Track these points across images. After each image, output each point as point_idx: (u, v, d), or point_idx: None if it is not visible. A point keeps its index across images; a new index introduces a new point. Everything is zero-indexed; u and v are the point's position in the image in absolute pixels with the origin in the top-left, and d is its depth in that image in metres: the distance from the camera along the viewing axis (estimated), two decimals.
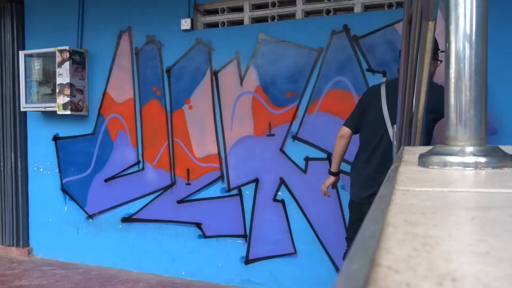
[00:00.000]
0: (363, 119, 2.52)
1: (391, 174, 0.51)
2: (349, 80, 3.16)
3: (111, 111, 3.95)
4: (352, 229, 2.67)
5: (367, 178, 2.49)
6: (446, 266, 0.20)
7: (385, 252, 0.22)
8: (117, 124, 3.93)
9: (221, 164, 3.56)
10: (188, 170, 3.67)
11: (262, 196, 3.44)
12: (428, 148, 0.57)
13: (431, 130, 2.35)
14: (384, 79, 2.52)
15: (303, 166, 3.31)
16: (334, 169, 2.71)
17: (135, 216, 3.90)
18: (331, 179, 2.76)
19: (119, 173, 3.94)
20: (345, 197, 3.21)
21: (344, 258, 2.71)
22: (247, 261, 3.50)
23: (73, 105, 3.85)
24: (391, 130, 2.21)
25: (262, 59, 3.40)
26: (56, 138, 4.21)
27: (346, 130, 2.59)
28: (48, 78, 4.06)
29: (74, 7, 4.05)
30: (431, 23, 1.06)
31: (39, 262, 4.17)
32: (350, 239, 2.67)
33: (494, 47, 2.63)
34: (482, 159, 0.48)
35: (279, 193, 3.39)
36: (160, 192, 3.79)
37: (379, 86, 2.49)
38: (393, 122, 2.18)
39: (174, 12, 3.65)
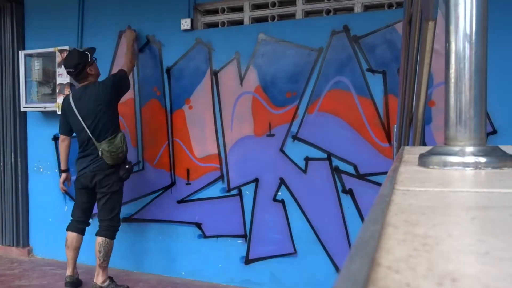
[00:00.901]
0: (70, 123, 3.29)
1: (391, 174, 0.51)
2: (349, 80, 3.16)
3: None
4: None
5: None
6: (446, 266, 0.20)
7: (385, 252, 0.22)
8: None
9: (221, 164, 3.56)
10: (188, 170, 3.67)
11: (262, 196, 3.44)
12: (428, 148, 0.57)
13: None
14: (70, 92, 3.50)
15: (303, 166, 3.31)
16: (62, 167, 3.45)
17: (135, 216, 3.90)
18: (63, 176, 3.45)
19: None
20: (346, 198, 3.21)
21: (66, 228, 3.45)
22: (247, 261, 3.50)
23: None
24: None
25: (262, 59, 3.40)
26: (56, 138, 4.20)
27: (62, 136, 3.37)
28: (48, 78, 4.06)
29: (74, 7, 4.05)
30: (431, 23, 1.06)
31: (39, 262, 4.16)
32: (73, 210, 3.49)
33: (494, 47, 2.63)
34: (482, 159, 0.48)
35: (279, 193, 3.39)
36: (160, 192, 3.79)
37: (68, 96, 3.30)
38: (91, 130, 3.16)
39: (174, 12, 3.65)
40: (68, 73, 3.24)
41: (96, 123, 3.16)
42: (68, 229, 3.40)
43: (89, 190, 3.26)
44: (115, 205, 3.28)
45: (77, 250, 3.39)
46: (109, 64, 3.94)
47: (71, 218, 3.43)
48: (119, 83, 3.27)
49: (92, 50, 3.32)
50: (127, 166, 3.25)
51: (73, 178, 3.57)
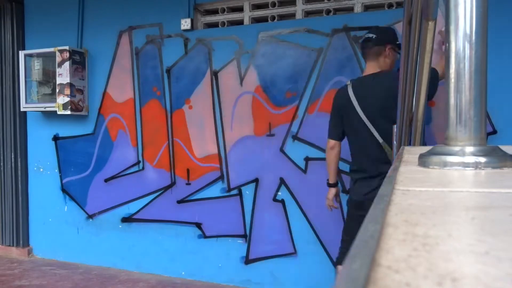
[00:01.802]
0: (344, 125, 2.54)
1: (391, 174, 0.51)
2: None
3: (111, 111, 3.95)
4: (346, 229, 2.67)
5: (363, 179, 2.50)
6: (446, 266, 0.20)
7: (385, 252, 0.22)
8: (117, 124, 3.93)
9: (221, 164, 3.56)
10: (188, 170, 3.67)
11: (262, 196, 3.44)
12: (428, 148, 0.57)
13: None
14: (348, 81, 2.56)
15: (303, 166, 3.31)
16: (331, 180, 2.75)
17: (135, 216, 3.90)
18: (332, 190, 2.79)
19: (119, 173, 3.94)
20: (346, 198, 3.21)
21: (337, 262, 2.71)
22: (247, 261, 3.50)
23: (73, 105, 3.85)
24: (373, 128, 2.35)
25: (262, 59, 3.40)
26: (56, 138, 4.21)
27: (331, 142, 2.62)
28: (48, 78, 4.06)
29: (74, 7, 4.05)
30: (431, 23, 1.06)
31: (39, 262, 4.17)
32: (345, 241, 2.65)
33: (494, 46, 2.63)
34: (482, 159, 0.48)
35: (279, 193, 3.39)
36: (160, 192, 3.79)
37: (345, 88, 2.53)
38: (370, 120, 2.36)
39: (174, 12, 3.65)
40: (365, 39, 2.49)
41: (385, 124, 2.30)
42: (340, 262, 2.68)
43: None
44: None
45: None
46: (109, 64, 3.94)
47: (340, 249, 2.67)
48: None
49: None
50: None
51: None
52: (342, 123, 2.53)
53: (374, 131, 2.34)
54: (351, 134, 2.52)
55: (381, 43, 2.44)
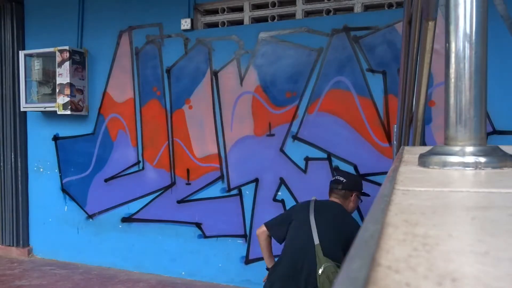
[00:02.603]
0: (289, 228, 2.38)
1: (391, 174, 0.51)
2: (349, 80, 3.16)
3: (111, 111, 3.95)
4: None
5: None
6: (446, 266, 0.20)
7: (385, 252, 0.22)
8: (117, 124, 3.93)
9: (221, 164, 3.56)
10: (188, 170, 3.67)
11: (262, 196, 3.44)
12: (428, 148, 0.57)
13: None
14: (313, 198, 2.53)
15: (303, 166, 3.31)
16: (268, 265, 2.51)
17: (135, 216, 3.90)
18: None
19: (119, 173, 3.94)
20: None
21: None
22: (247, 261, 3.50)
23: (73, 105, 3.85)
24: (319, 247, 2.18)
25: (262, 59, 3.40)
26: (56, 138, 4.21)
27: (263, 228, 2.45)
28: (48, 78, 4.06)
29: (74, 7, 4.05)
30: (431, 23, 1.06)
31: (39, 262, 4.16)
32: None
33: (494, 47, 2.63)
34: (482, 159, 0.48)
35: (279, 193, 3.39)
36: (160, 192, 3.79)
37: (308, 202, 2.49)
38: (320, 239, 2.20)
39: (174, 12, 3.65)
40: (336, 181, 2.60)
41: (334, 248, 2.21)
42: None
43: None
44: None
45: None
46: (109, 64, 3.94)
47: None
48: None
49: None
50: None
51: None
52: (288, 226, 2.38)
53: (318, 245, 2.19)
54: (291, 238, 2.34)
55: (349, 189, 2.54)
